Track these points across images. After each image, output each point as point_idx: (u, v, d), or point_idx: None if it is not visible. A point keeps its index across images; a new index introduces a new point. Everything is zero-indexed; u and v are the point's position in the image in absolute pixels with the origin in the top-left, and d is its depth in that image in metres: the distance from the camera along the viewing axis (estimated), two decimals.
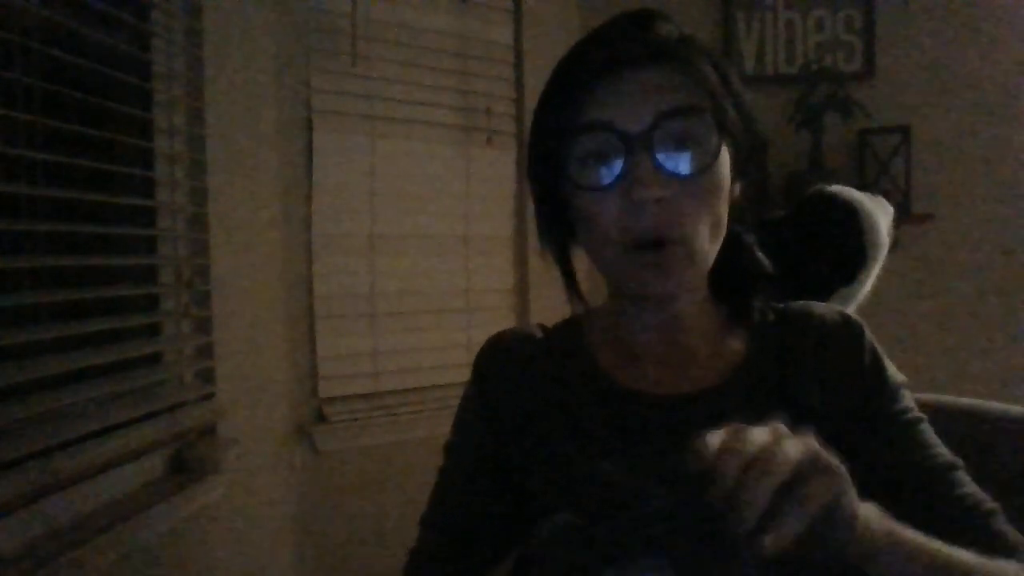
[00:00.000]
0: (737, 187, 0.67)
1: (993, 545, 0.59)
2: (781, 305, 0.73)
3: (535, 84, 2.14)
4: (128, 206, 1.32)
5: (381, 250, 1.94)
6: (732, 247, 0.69)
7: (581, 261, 0.73)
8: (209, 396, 1.45)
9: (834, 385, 0.66)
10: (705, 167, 0.61)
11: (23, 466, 1.01)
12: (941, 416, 0.71)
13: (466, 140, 2.08)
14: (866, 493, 0.52)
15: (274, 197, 1.73)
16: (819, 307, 0.72)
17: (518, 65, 2.17)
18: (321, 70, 1.83)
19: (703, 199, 0.62)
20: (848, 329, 0.69)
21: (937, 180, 2.38)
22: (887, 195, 2.38)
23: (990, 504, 0.63)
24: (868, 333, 0.69)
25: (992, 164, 2.40)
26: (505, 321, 2.16)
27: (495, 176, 2.13)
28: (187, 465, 1.37)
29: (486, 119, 2.11)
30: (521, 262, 2.18)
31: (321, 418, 1.83)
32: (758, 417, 0.65)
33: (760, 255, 0.73)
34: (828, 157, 2.31)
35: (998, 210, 2.39)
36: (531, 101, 2.13)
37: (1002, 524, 0.62)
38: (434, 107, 2.02)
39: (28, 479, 1.01)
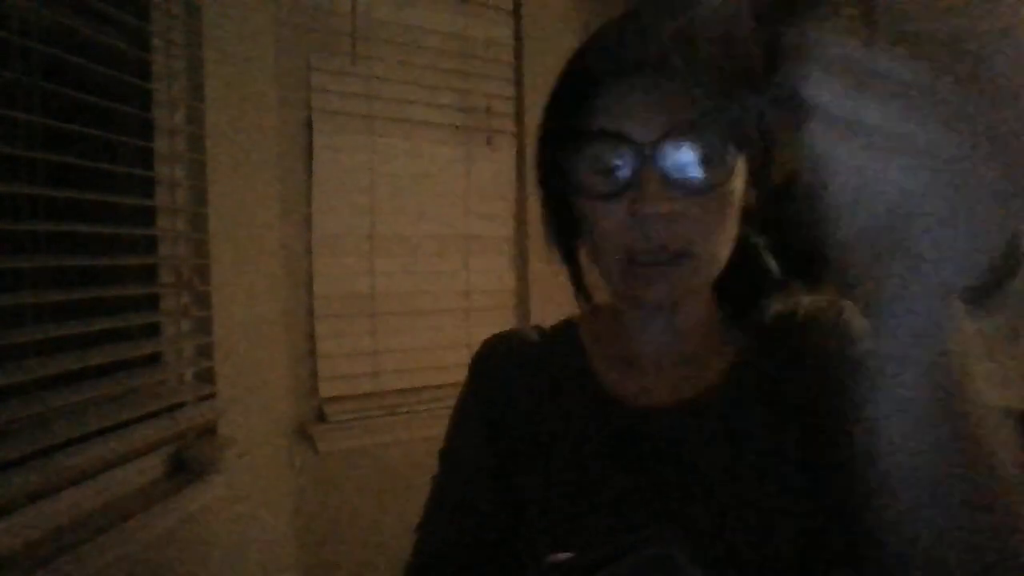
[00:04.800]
0: (752, 194, 0.64)
1: None
2: (787, 304, 0.71)
3: (535, 84, 2.14)
4: (128, 206, 1.32)
5: (381, 250, 1.94)
6: (740, 250, 0.66)
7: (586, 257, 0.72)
8: (209, 396, 1.45)
9: (825, 382, 0.64)
10: (718, 183, 0.58)
11: (23, 466, 1.01)
12: None
13: (466, 140, 2.08)
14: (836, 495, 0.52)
15: (274, 197, 1.73)
16: (816, 301, 0.69)
17: (518, 65, 2.17)
18: (321, 70, 1.83)
19: (715, 214, 0.59)
20: (839, 320, 0.66)
21: None
22: None
23: None
24: (858, 324, 0.65)
25: None
26: (505, 321, 2.16)
27: (495, 176, 2.13)
28: (187, 465, 1.37)
29: (486, 119, 2.11)
30: (521, 262, 2.18)
31: (321, 418, 1.82)
32: (750, 424, 0.64)
33: (769, 258, 0.70)
34: None
35: None
36: (531, 101, 2.14)
37: None
38: (434, 107, 2.02)
39: (28, 479, 1.01)
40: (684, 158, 0.58)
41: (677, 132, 0.57)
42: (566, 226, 0.69)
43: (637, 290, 0.62)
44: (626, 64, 0.59)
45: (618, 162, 0.59)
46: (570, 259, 0.71)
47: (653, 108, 0.58)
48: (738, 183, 0.61)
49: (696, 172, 0.58)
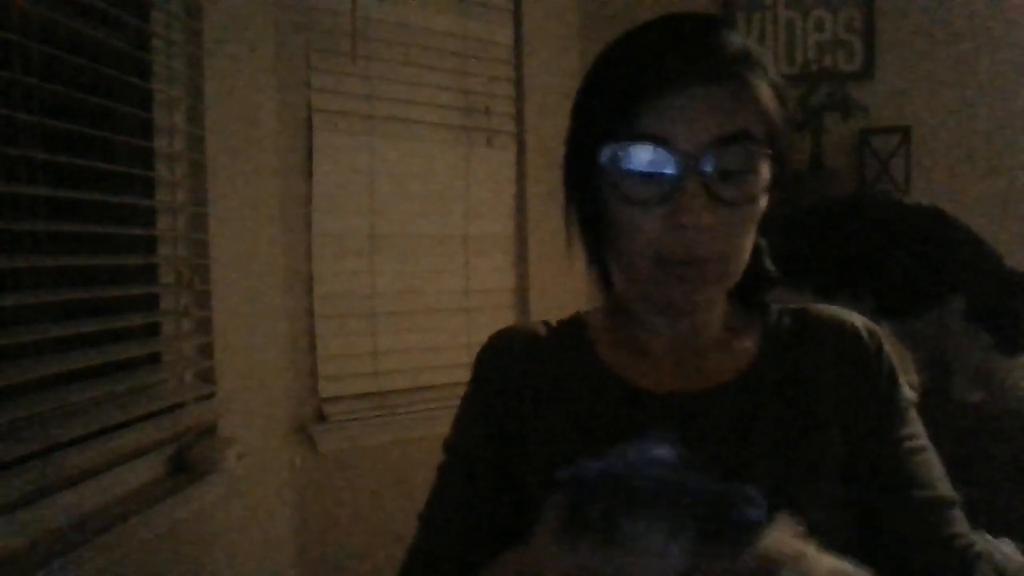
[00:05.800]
0: (767, 199, 0.66)
1: None
2: (799, 307, 0.73)
3: (535, 84, 2.14)
4: (128, 206, 1.32)
5: (381, 250, 1.94)
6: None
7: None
8: (209, 396, 1.45)
9: (846, 395, 0.66)
10: (753, 197, 0.60)
11: (23, 466, 1.01)
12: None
13: (466, 140, 2.08)
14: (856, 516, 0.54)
15: (274, 197, 1.73)
16: (841, 312, 0.71)
17: (518, 65, 2.17)
18: (321, 70, 1.83)
19: (744, 224, 0.61)
20: (868, 340, 0.68)
21: (937, 180, 2.38)
22: (887, 195, 2.39)
23: (980, 546, 0.62)
24: (887, 347, 0.68)
25: (992, 164, 2.40)
26: (505, 321, 2.15)
27: (495, 176, 2.13)
28: (187, 465, 1.37)
29: (486, 119, 2.11)
30: (521, 262, 2.18)
31: (321, 418, 1.82)
32: (764, 416, 0.65)
33: (767, 258, 0.72)
34: (828, 157, 2.31)
35: (998, 210, 2.39)
36: (531, 101, 2.14)
37: (986, 569, 0.61)
38: (434, 107, 2.02)
39: (28, 479, 1.01)
40: (727, 168, 0.58)
41: (721, 144, 0.58)
42: (593, 227, 0.68)
43: (666, 289, 0.62)
44: (679, 73, 0.59)
45: (661, 168, 0.59)
46: (597, 258, 0.71)
47: (700, 118, 0.58)
48: (766, 193, 0.62)
49: (737, 183, 0.59)
